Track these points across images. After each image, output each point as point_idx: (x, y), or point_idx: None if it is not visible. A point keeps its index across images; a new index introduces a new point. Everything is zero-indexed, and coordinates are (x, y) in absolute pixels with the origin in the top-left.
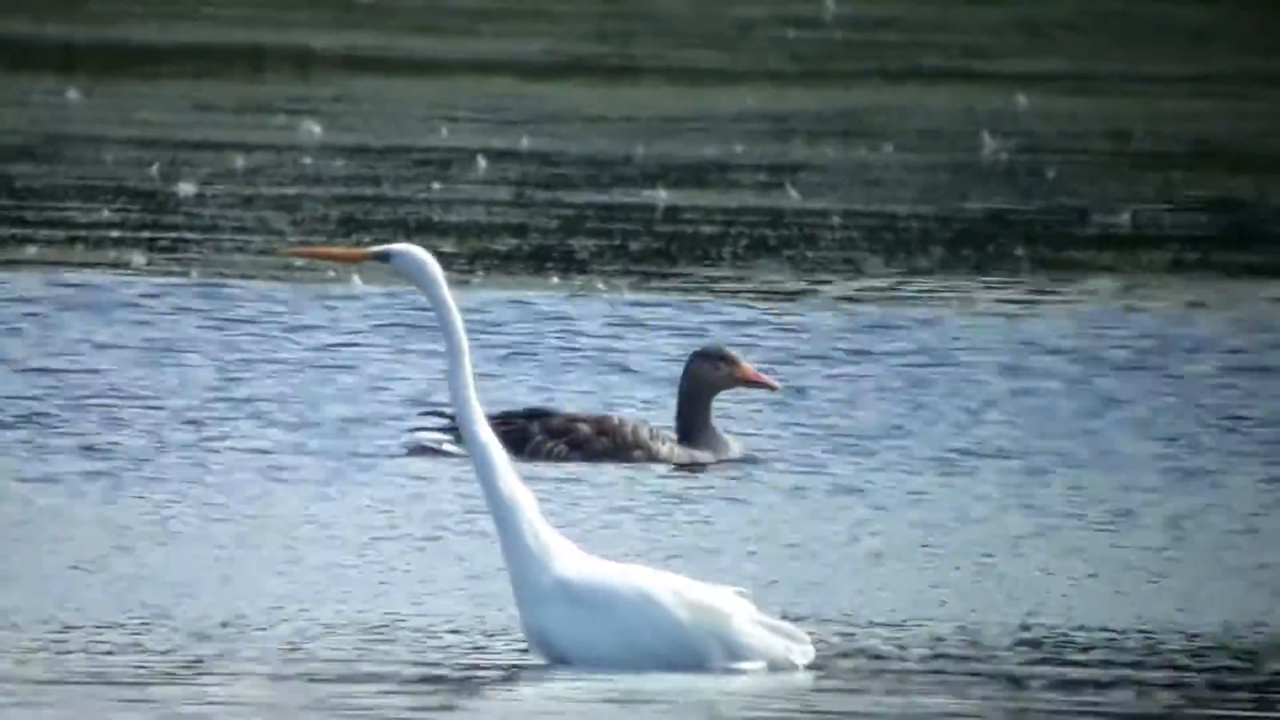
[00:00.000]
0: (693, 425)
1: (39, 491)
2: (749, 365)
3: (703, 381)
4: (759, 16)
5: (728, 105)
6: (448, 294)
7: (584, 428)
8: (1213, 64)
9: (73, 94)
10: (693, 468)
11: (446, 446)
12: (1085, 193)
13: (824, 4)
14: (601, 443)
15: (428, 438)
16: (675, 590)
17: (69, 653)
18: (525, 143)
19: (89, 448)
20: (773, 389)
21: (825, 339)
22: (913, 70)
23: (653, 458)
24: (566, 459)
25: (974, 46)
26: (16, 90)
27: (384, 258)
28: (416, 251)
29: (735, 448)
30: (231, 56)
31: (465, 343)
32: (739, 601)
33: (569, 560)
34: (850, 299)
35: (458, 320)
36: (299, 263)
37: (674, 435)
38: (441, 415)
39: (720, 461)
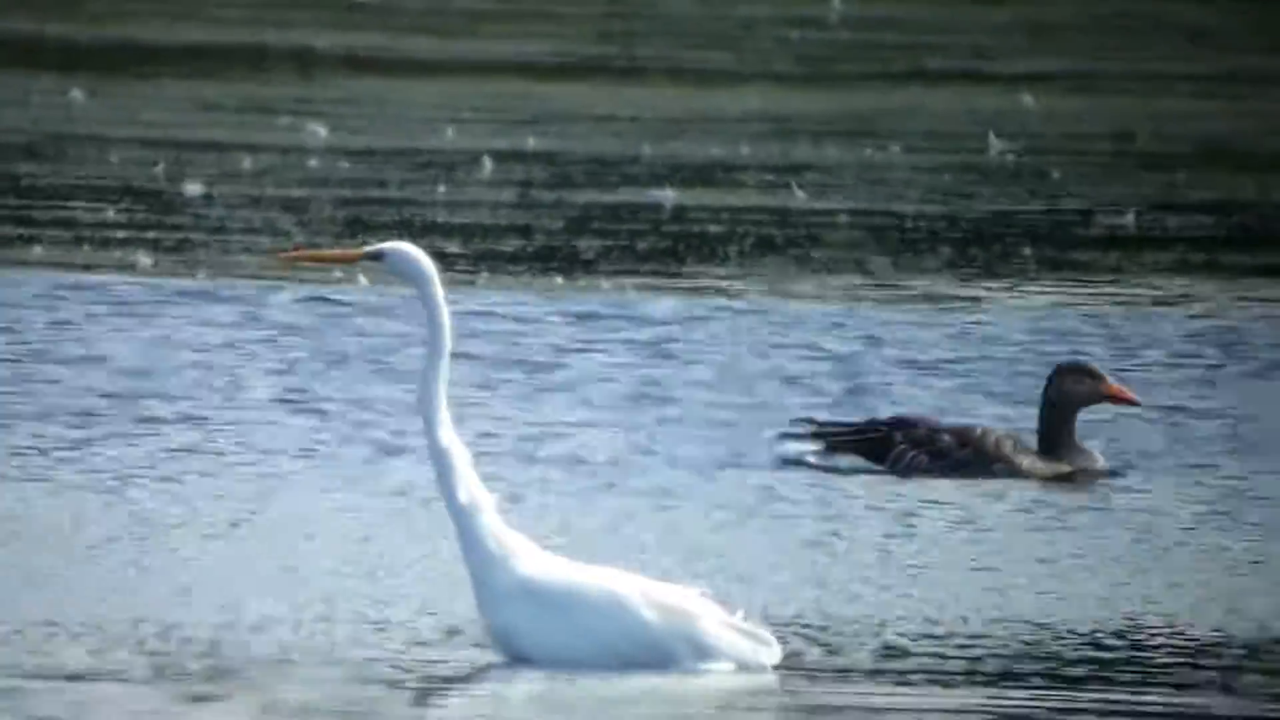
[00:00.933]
0: (1056, 439)
1: (40, 489)
2: (1113, 381)
3: (1067, 396)
4: (764, 17)
5: (733, 105)
6: (440, 292)
7: (946, 438)
8: (1217, 64)
9: (76, 94)
10: (1055, 481)
11: (811, 459)
12: (1090, 193)
13: (829, 5)
14: (963, 454)
15: (795, 450)
16: (642, 591)
17: (64, 650)
18: (531, 143)
19: (131, 445)
20: (1136, 404)
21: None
22: (918, 71)
23: (1014, 471)
24: (927, 470)
25: (979, 47)
26: (20, 89)
27: (378, 257)
28: (410, 249)
29: (1099, 461)
30: (235, 56)
31: (449, 344)
32: (705, 603)
33: (532, 561)
34: (857, 298)
35: (447, 320)
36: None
37: (1035, 449)
38: (811, 421)
39: (1082, 474)
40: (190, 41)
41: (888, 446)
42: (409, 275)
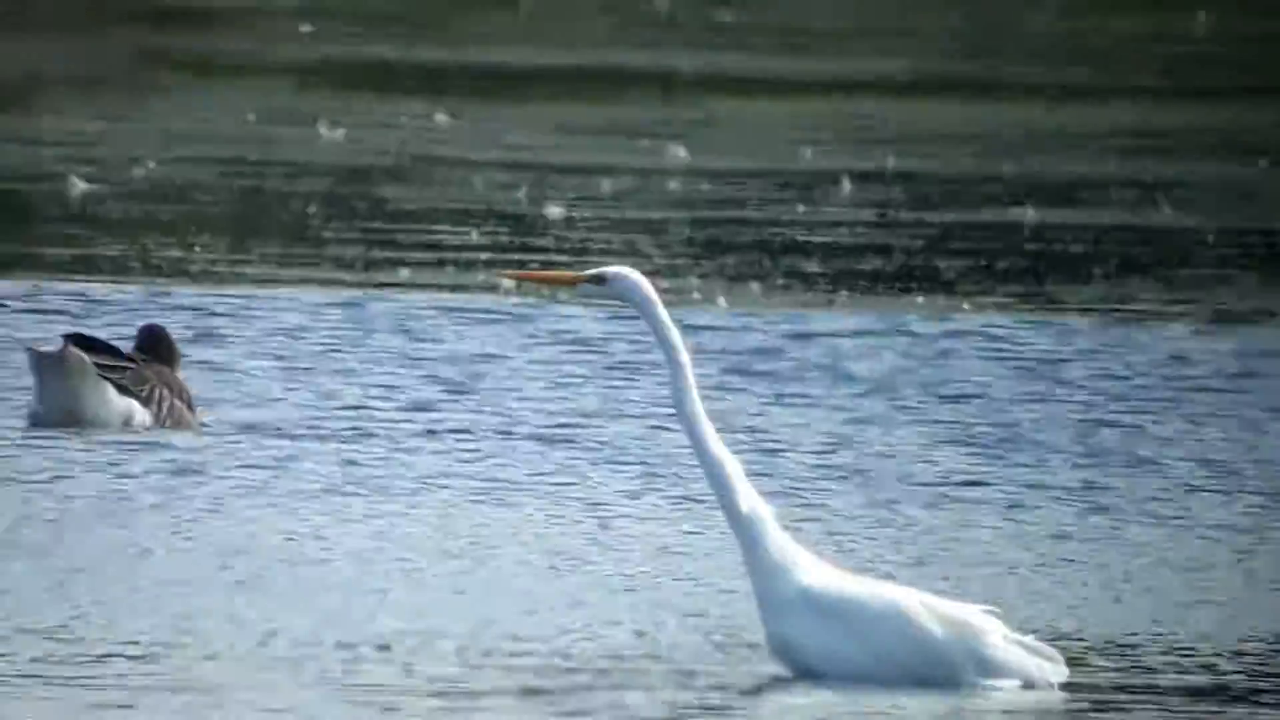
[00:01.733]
0: None
1: (328, 500)
2: None
3: None
4: (1129, 31)
5: (1096, 121)
6: (664, 313)
7: None
8: None
9: (441, 117)
10: None
11: None
12: None
13: (1196, 19)
14: None
15: None
16: (925, 604)
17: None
18: (890, 162)
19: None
20: None
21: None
22: None
23: None
24: None
25: None
26: (387, 113)
27: (600, 280)
28: (632, 274)
29: None
30: (596, 79)
31: (687, 358)
32: (991, 619)
33: (815, 572)
34: (1224, 319)
35: (677, 337)
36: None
37: None
38: None
39: None
40: (552, 64)
41: None
42: (631, 299)
